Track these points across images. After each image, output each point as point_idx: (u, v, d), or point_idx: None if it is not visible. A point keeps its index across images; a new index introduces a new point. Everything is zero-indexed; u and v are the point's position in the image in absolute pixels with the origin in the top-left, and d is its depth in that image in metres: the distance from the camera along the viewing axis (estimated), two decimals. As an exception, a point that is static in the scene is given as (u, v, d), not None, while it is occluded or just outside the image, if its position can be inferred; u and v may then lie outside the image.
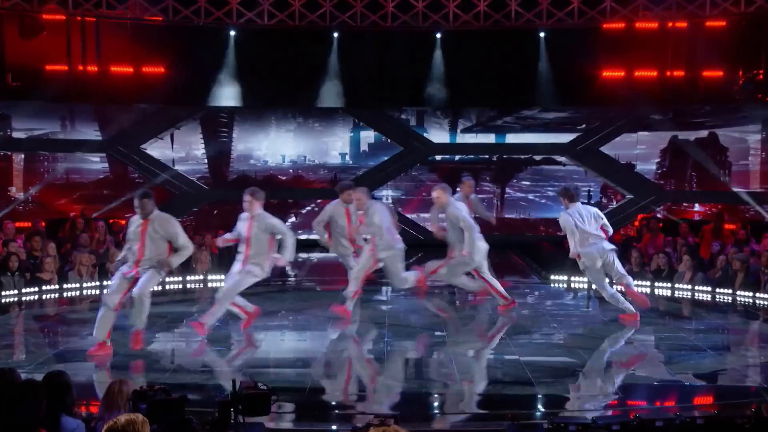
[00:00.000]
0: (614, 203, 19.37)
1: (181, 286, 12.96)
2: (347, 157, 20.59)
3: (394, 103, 18.83)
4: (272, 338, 9.77)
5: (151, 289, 8.90)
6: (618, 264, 10.19)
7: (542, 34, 17.64)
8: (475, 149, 20.16)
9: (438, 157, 20.07)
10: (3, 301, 11.68)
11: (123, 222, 12.89)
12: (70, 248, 13.45)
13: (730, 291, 12.06)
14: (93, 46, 17.33)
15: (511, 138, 20.10)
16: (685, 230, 14.30)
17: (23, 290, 11.96)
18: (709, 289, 12.25)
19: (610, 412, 6.97)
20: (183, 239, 8.76)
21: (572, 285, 13.06)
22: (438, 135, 19.92)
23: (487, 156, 20.38)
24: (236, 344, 9.49)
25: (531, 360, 8.48)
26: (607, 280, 10.30)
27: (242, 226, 9.44)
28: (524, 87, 17.85)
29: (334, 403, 7.52)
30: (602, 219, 10.18)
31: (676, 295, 12.43)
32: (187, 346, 9.35)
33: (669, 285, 12.62)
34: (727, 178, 18.87)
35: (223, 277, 10.48)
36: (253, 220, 9.35)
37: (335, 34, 17.80)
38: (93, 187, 19.44)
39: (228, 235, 9.77)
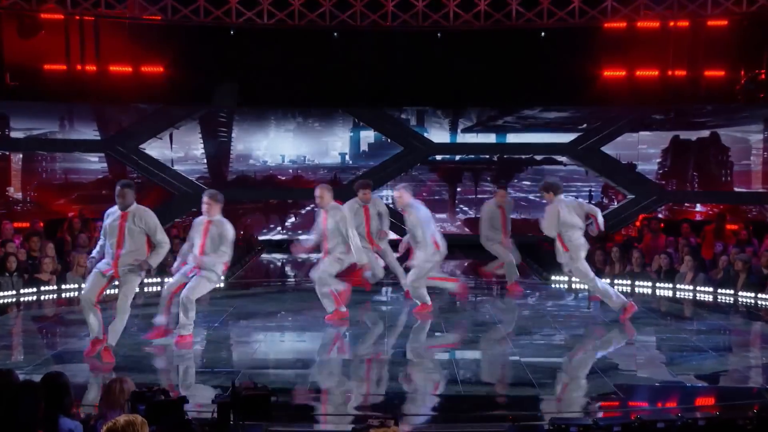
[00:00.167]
0: (615, 203, 19.33)
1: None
2: (347, 157, 20.56)
3: (394, 102, 18.79)
4: (272, 339, 9.73)
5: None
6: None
7: (543, 34, 17.60)
8: (476, 149, 20.14)
9: (438, 157, 20.05)
10: (1, 301, 11.63)
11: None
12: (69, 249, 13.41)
13: (731, 292, 12.02)
14: (92, 45, 17.25)
15: (512, 138, 20.08)
16: (687, 230, 14.26)
17: (21, 291, 11.92)
18: (711, 289, 12.20)
19: (611, 414, 6.93)
20: (161, 234, 8.47)
21: (573, 286, 13.01)
22: (438, 135, 19.89)
23: (487, 156, 20.36)
24: (235, 344, 9.43)
25: (532, 361, 8.46)
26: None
27: (199, 230, 9.20)
28: (525, 86, 17.79)
29: (333, 403, 7.47)
30: (585, 204, 10.57)
31: (677, 295, 12.39)
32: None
33: (670, 286, 12.58)
34: (729, 178, 18.85)
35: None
36: (210, 224, 9.13)
37: (335, 34, 17.74)
38: (92, 187, 19.42)
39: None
